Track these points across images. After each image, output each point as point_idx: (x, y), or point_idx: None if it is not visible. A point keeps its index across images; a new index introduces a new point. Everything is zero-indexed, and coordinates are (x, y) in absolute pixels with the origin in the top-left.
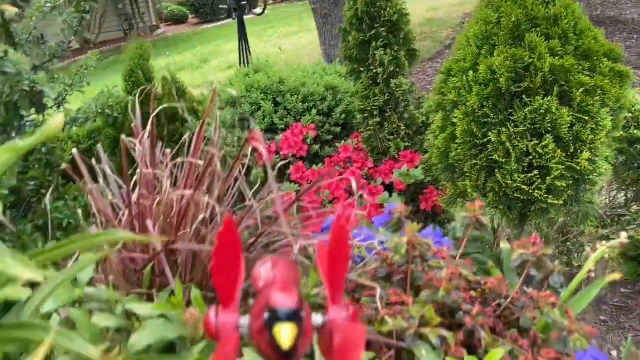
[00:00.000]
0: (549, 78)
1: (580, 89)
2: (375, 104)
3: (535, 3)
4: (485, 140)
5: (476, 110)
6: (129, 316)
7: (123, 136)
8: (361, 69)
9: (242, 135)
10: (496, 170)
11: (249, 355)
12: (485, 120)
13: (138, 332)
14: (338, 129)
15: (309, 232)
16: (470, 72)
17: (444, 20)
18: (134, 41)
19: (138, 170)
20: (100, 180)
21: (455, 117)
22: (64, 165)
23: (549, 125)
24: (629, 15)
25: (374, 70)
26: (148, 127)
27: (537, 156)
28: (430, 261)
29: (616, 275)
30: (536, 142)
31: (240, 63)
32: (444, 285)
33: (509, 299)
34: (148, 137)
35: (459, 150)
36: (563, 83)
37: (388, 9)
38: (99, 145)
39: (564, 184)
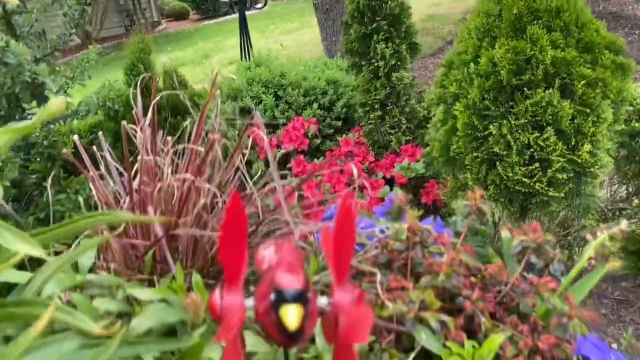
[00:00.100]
0: (551, 71)
1: (582, 82)
2: (377, 97)
3: None
4: (486, 133)
5: (477, 103)
6: (130, 302)
7: (124, 122)
8: (362, 62)
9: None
10: (497, 163)
11: (250, 339)
12: (487, 113)
13: (139, 316)
14: (339, 123)
15: (310, 221)
16: (472, 64)
17: (445, 16)
18: (135, 36)
19: (139, 157)
20: (102, 168)
21: (456, 110)
22: (64, 151)
23: (550, 118)
24: (631, 11)
25: (376, 64)
26: (149, 114)
27: (538, 149)
28: (430, 247)
29: (617, 264)
30: (537, 134)
31: (241, 58)
32: (444, 270)
33: (509, 286)
34: (149, 124)
35: (460, 144)
36: (565, 76)
37: (390, 2)
38: (100, 133)
39: (565, 177)
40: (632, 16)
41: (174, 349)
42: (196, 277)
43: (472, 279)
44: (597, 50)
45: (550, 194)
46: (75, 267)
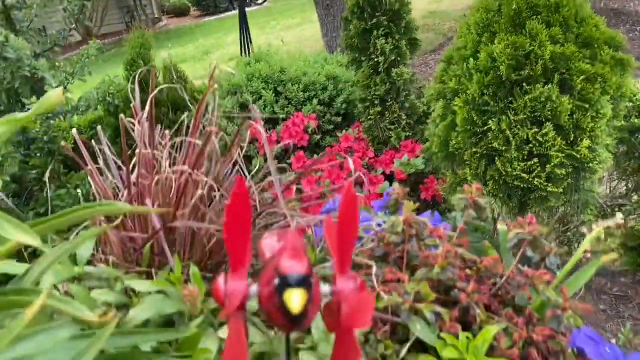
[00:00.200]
0: (550, 66)
1: (581, 77)
2: (377, 93)
3: None
4: (485, 128)
5: (476, 99)
6: (128, 294)
7: (122, 116)
8: (362, 58)
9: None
10: (496, 159)
11: (250, 330)
12: (486, 108)
13: (137, 307)
14: (339, 119)
15: (308, 214)
16: (471, 59)
17: (446, 12)
18: (135, 31)
19: (137, 151)
20: (100, 162)
21: (455, 106)
22: (62, 143)
23: (549, 113)
24: (632, 8)
25: (375, 59)
26: (147, 107)
27: (537, 144)
28: (426, 240)
29: (612, 255)
30: (536, 130)
31: (241, 53)
32: (440, 262)
33: (504, 278)
34: (147, 118)
35: (459, 139)
36: (564, 71)
37: None
38: (98, 127)
39: (564, 172)
40: (634, 13)
41: (171, 339)
42: (194, 269)
43: (468, 271)
44: (596, 46)
45: (549, 189)
46: (74, 260)
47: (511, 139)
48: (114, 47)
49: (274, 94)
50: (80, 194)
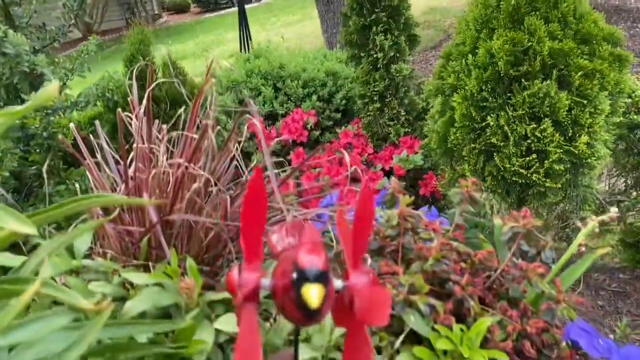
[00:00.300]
0: (548, 62)
1: (579, 73)
2: (376, 89)
3: None
4: (484, 124)
5: (475, 94)
6: (126, 287)
7: (119, 110)
8: (362, 54)
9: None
10: (495, 155)
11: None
12: (484, 104)
13: (133, 299)
14: (338, 115)
15: (306, 208)
16: (470, 56)
17: (447, 9)
18: (135, 28)
19: (134, 145)
20: (99, 157)
21: (454, 102)
22: (60, 136)
23: (547, 109)
24: (633, 4)
25: (375, 56)
26: (144, 102)
27: (535, 140)
28: (421, 233)
29: (606, 248)
30: (535, 126)
31: (241, 50)
32: (434, 254)
33: (498, 271)
34: (144, 112)
35: (457, 135)
36: (562, 67)
37: None
38: (97, 122)
39: (562, 168)
40: (635, 9)
41: (167, 330)
42: (190, 262)
43: (462, 264)
44: (594, 42)
45: (547, 184)
46: (72, 254)
47: (510, 134)
48: (114, 44)
49: (273, 90)
50: (79, 190)
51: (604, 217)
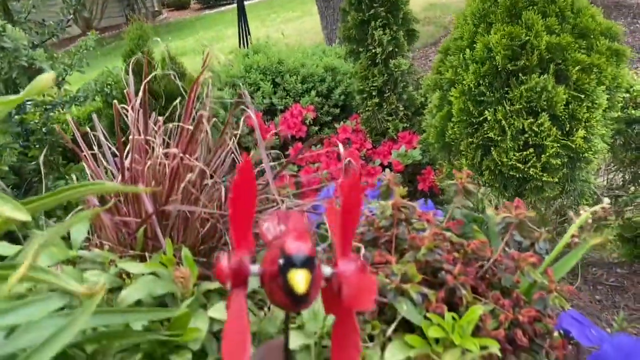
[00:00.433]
0: (546, 56)
1: (577, 68)
2: (374, 84)
3: None
4: (481, 118)
5: (473, 89)
6: (123, 278)
7: (115, 102)
8: (360, 49)
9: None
10: (492, 149)
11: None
12: (482, 98)
13: (129, 288)
14: (337, 111)
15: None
16: (468, 50)
17: (447, 5)
18: (134, 23)
19: (130, 137)
20: (96, 149)
21: (452, 96)
22: (56, 126)
23: (544, 103)
24: (633, 0)
25: (373, 51)
26: (140, 94)
27: (532, 134)
28: (415, 224)
29: (599, 239)
30: (532, 120)
31: (240, 45)
32: (426, 244)
33: (491, 261)
34: (140, 104)
35: (455, 129)
36: (559, 61)
37: None
38: (94, 115)
39: (559, 162)
40: (635, 5)
41: (162, 318)
42: (185, 251)
43: (455, 254)
44: (592, 36)
45: (544, 179)
46: (69, 245)
47: (507, 129)
48: (113, 40)
49: (272, 86)
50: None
51: (597, 207)
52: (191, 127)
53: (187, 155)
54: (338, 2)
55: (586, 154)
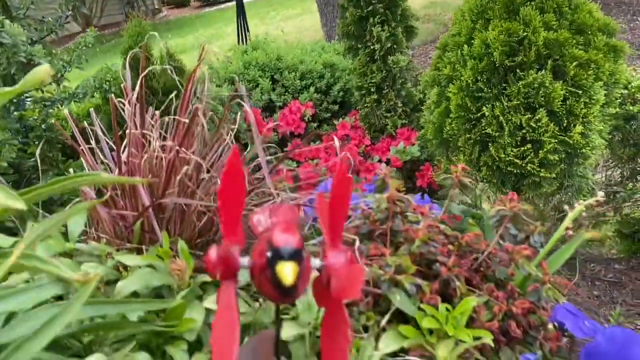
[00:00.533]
0: (543, 52)
1: (574, 63)
2: (373, 81)
3: None
4: (479, 114)
5: (470, 85)
6: (120, 271)
7: (112, 96)
8: (359, 46)
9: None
10: (490, 145)
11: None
12: (480, 94)
13: (126, 279)
14: (336, 107)
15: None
16: (465, 46)
17: (447, 3)
18: (133, 20)
19: (128, 131)
20: (94, 144)
21: (450, 92)
22: (53, 121)
23: (542, 99)
24: None
25: (372, 47)
26: (137, 88)
27: (530, 130)
28: (410, 217)
29: (592, 233)
30: (530, 116)
31: (238, 42)
32: (420, 236)
33: (485, 253)
34: (137, 98)
35: (453, 125)
36: (557, 57)
37: None
38: (91, 109)
39: (557, 158)
40: (635, 2)
41: (157, 309)
42: (182, 244)
43: (450, 246)
44: (589, 32)
45: (542, 174)
46: (66, 237)
47: (505, 125)
48: (113, 38)
49: (271, 82)
50: None
51: (590, 201)
52: (187, 120)
53: (183, 149)
54: None
55: (584, 150)
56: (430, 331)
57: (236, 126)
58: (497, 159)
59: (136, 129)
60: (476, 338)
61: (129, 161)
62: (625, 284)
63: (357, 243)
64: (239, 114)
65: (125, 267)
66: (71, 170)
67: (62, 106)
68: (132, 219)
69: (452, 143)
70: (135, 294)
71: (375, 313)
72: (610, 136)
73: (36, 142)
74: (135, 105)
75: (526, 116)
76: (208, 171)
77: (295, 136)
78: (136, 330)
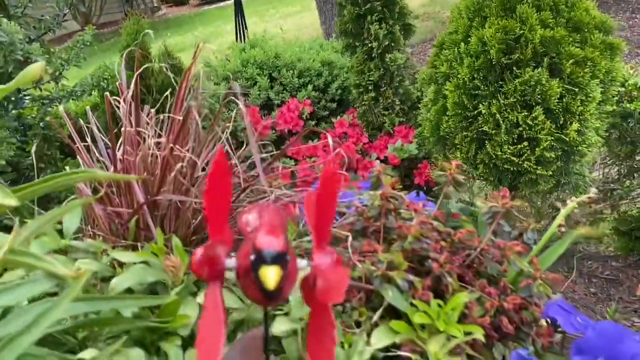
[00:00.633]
0: (540, 50)
1: (571, 61)
2: (370, 79)
3: None
4: (476, 112)
5: (467, 83)
6: (115, 267)
7: (107, 94)
8: (356, 43)
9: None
10: (486, 142)
11: (225, 296)
12: (476, 92)
13: (120, 276)
14: (334, 105)
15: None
16: (462, 44)
17: (446, 1)
18: (131, 18)
19: (123, 129)
20: (89, 141)
21: (446, 90)
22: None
23: (539, 97)
24: None
25: (369, 45)
26: (132, 86)
27: (527, 128)
28: (403, 214)
29: (584, 230)
30: (526, 113)
31: (236, 40)
32: (413, 232)
33: (478, 249)
34: (132, 96)
35: (450, 123)
36: (554, 55)
37: None
38: (87, 107)
39: (554, 155)
40: (634, 0)
41: (152, 305)
42: (176, 240)
43: (442, 243)
44: (586, 30)
45: (539, 172)
46: (62, 235)
47: (501, 122)
48: (113, 36)
49: (269, 80)
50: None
51: (583, 197)
52: (181, 117)
53: (177, 146)
54: None
55: (580, 147)
56: (422, 327)
57: (231, 124)
58: (494, 156)
59: (131, 126)
60: (467, 333)
61: (124, 159)
62: (622, 281)
63: (350, 240)
64: (234, 111)
65: (121, 264)
66: (67, 168)
67: (60, 104)
68: (128, 216)
69: (449, 141)
70: (129, 291)
71: (368, 309)
72: (607, 134)
73: (34, 141)
74: (131, 103)
75: (523, 114)
76: (203, 169)
77: (294, 134)
78: (130, 326)
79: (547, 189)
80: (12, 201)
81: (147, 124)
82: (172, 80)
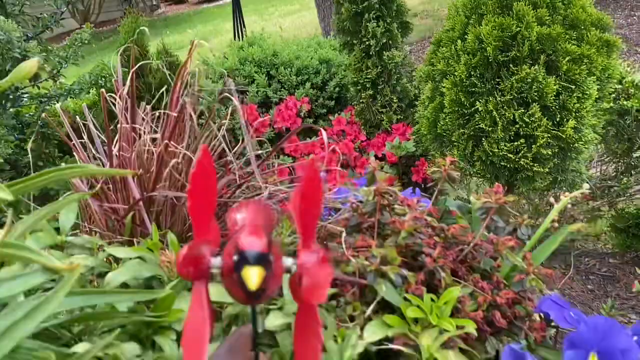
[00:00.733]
0: (536, 47)
1: (567, 58)
2: (368, 76)
3: None
4: (472, 109)
5: (464, 80)
6: (111, 263)
7: (103, 90)
8: (354, 41)
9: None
10: (483, 139)
11: (219, 290)
12: (473, 89)
13: (115, 271)
14: (332, 103)
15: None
16: (459, 41)
17: None
18: (129, 17)
19: (119, 125)
20: (85, 137)
21: (443, 87)
22: (44, 115)
23: (535, 94)
24: None
25: (367, 43)
26: (127, 82)
27: (523, 125)
28: (397, 209)
29: (578, 225)
30: (523, 111)
31: (235, 38)
32: (406, 227)
33: (471, 245)
34: (127, 93)
35: (447, 120)
36: (550, 52)
37: None
38: (84, 105)
39: (550, 153)
40: None
41: (147, 299)
42: (171, 236)
43: (436, 238)
44: (582, 27)
45: (535, 169)
46: (58, 231)
47: (498, 119)
48: (112, 34)
49: (266, 78)
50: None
51: (576, 193)
52: (174, 114)
53: (172, 142)
54: None
55: (577, 144)
56: (415, 321)
57: (227, 120)
58: (491, 153)
59: (127, 123)
60: (460, 327)
61: (120, 155)
62: (619, 278)
63: (344, 235)
64: (231, 108)
65: (117, 260)
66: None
67: (58, 102)
68: (124, 212)
69: (446, 138)
70: (125, 285)
71: (362, 303)
72: (604, 131)
73: (32, 138)
74: (127, 100)
75: (519, 111)
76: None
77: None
78: (125, 320)
79: (544, 186)
80: (5, 195)
81: (143, 120)
82: (169, 78)
